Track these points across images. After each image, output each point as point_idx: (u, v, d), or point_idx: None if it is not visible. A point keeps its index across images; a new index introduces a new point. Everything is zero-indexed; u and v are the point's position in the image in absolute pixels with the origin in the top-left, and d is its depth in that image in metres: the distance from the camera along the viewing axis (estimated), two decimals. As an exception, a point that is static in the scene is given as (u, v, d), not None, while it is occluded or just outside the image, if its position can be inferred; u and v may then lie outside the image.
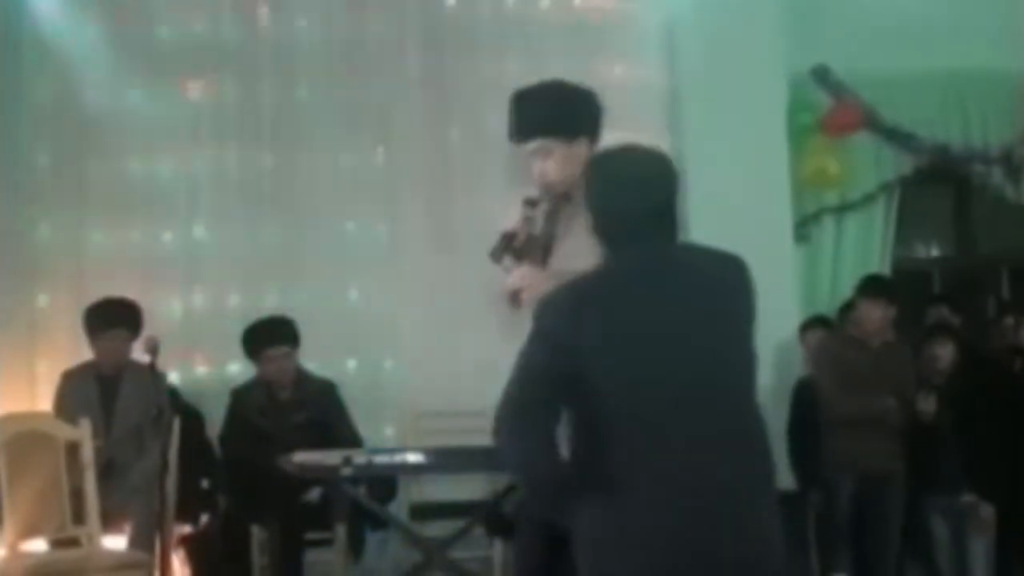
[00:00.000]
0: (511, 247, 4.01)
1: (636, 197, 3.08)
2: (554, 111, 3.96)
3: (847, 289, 7.17)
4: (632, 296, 3.01)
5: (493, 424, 3.04)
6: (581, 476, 2.98)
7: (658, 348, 2.95)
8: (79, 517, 5.25)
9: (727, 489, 2.94)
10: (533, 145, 3.95)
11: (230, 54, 7.27)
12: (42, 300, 7.05)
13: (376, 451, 5.94)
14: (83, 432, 5.17)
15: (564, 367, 2.95)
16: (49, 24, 7.07)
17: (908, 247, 8.20)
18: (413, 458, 5.64)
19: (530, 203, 4.02)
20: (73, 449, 5.36)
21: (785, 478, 6.83)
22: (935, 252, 8.51)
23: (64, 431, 5.23)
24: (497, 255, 4.00)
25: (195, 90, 7.25)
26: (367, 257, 7.22)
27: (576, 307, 3.01)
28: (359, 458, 5.60)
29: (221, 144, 7.24)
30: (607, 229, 3.13)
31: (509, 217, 4.05)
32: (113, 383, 6.32)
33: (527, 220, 4.01)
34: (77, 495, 5.46)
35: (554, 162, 3.94)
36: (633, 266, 3.06)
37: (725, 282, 3.11)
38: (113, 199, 7.14)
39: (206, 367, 7.12)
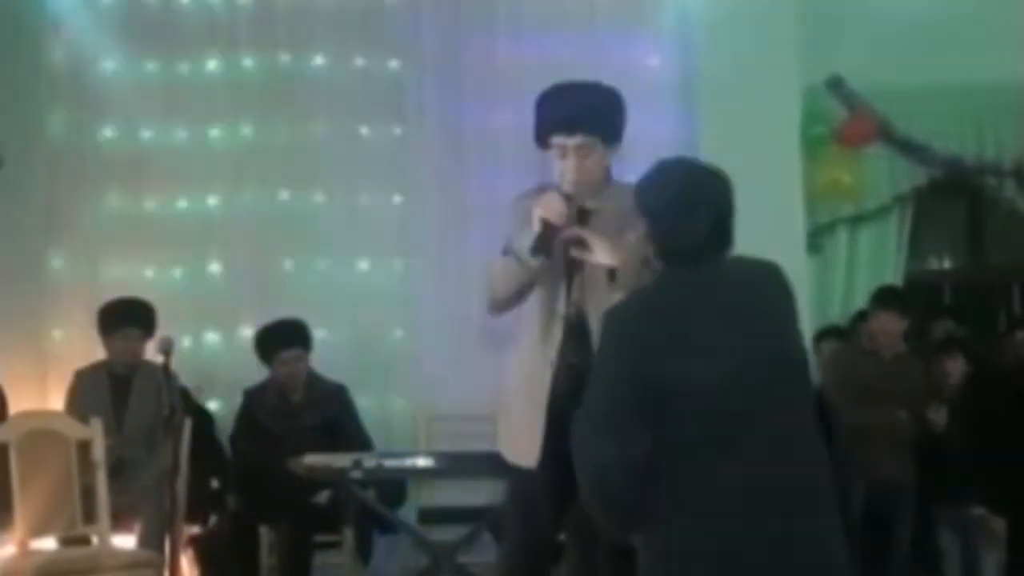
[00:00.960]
0: (547, 245, 3.81)
1: (699, 215, 3.07)
2: (605, 112, 3.93)
3: (860, 300, 7.19)
4: (692, 310, 3.02)
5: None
6: (647, 488, 2.96)
7: (721, 360, 2.95)
8: (89, 516, 5.26)
9: (793, 499, 2.95)
10: (577, 140, 3.85)
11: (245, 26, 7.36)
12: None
13: (386, 455, 5.97)
14: (94, 431, 5.18)
15: (631, 375, 2.95)
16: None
17: (920, 259, 8.17)
18: (423, 462, 5.68)
19: (569, 199, 3.87)
20: (84, 448, 5.37)
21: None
22: (947, 264, 8.48)
23: (75, 430, 5.24)
24: (536, 251, 3.78)
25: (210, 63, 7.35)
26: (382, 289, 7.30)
27: (639, 317, 3.03)
28: (368, 461, 5.66)
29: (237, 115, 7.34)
30: (668, 244, 3.12)
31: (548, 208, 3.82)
32: (126, 382, 6.34)
33: (570, 217, 3.85)
34: (88, 494, 5.45)
35: (593, 161, 3.88)
36: (691, 280, 3.07)
37: (773, 293, 3.14)
38: (128, 170, 7.26)
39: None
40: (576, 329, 3.85)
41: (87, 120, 7.27)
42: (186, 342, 7.03)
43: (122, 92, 7.23)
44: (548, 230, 3.77)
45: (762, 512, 2.91)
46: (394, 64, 7.39)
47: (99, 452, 5.18)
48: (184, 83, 7.32)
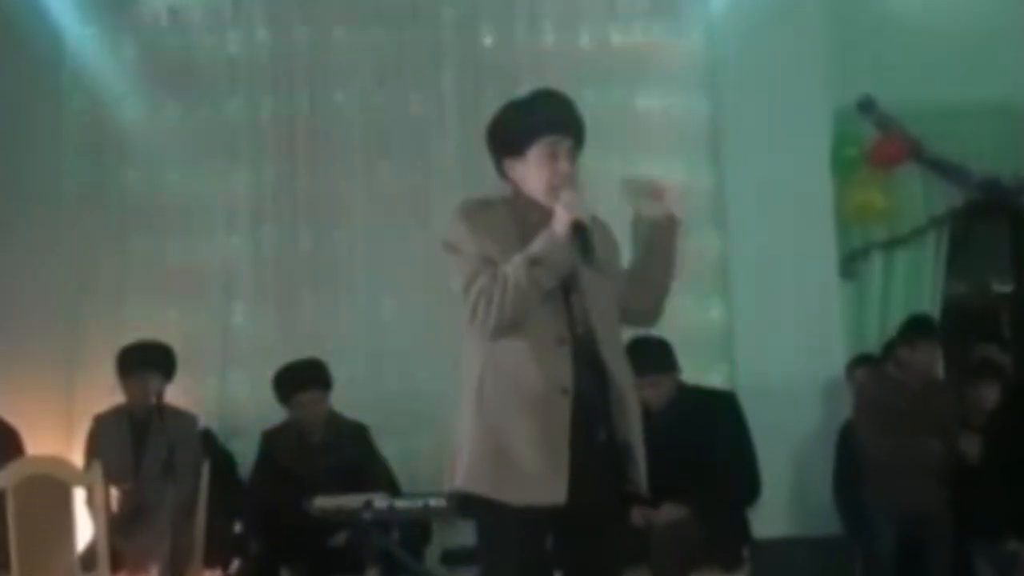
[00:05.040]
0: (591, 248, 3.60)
1: None
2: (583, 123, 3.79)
3: (896, 326, 6.98)
4: None
5: None
6: None
7: None
8: (90, 563, 5.17)
9: None
10: (571, 142, 3.70)
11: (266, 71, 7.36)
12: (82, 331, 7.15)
13: (398, 495, 5.88)
14: (94, 476, 5.10)
15: None
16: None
17: (960, 282, 7.89)
18: (435, 502, 5.53)
19: None
20: (89, 493, 5.30)
21: (831, 523, 6.66)
22: (993, 287, 8.20)
23: (75, 475, 5.18)
24: (588, 256, 3.57)
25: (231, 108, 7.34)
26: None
27: None
28: (380, 502, 5.54)
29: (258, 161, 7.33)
30: None
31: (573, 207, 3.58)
32: (145, 425, 6.27)
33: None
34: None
35: (574, 169, 3.70)
36: None
37: None
38: (151, 215, 7.25)
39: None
40: (586, 353, 3.61)
41: (109, 166, 7.27)
42: (211, 385, 7.05)
43: (143, 137, 7.23)
44: (583, 231, 3.54)
45: None
46: (416, 101, 7.33)
47: (98, 498, 5.10)
48: (205, 126, 7.30)
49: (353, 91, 7.34)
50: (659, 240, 3.74)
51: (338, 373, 6.53)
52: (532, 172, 3.69)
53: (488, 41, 7.41)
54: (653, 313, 3.87)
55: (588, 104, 3.89)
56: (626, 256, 3.83)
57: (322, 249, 7.27)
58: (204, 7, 7.36)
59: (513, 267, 3.53)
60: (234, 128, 7.33)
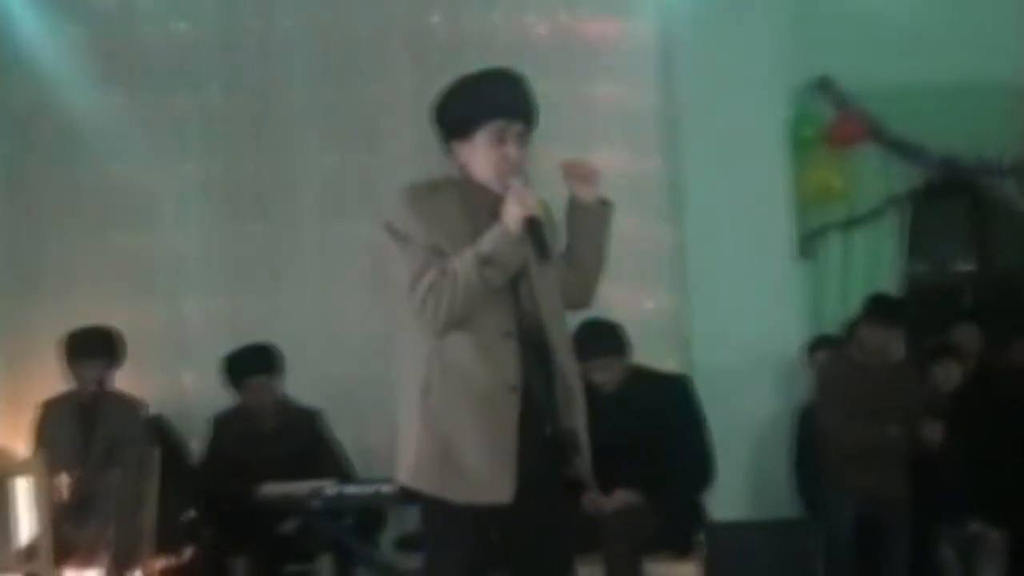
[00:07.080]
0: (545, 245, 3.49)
1: None
2: (536, 105, 3.64)
3: (856, 306, 6.92)
4: None
5: None
6: None
7: None
8: (32, 553, 5.07)
9: None
10: (520, 126, 3.55)
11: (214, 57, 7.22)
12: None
13: (352, 481, 5.80)
14: (35, 466, 4.98)
15: None
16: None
17: (921, 262, 7.84)
18: (387, 488, 5.45)
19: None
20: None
21: (788, 506, 6.62)
22: (954, 267, 8.15)
23: (13, 466, 5.06)
24: (543, 255, 3.46)
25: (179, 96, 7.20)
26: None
27: None
28: (329, 489, 5.47)
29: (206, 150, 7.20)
30: None
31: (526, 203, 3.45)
32: (92, 412, 6.17)
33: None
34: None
35: (524, 154, 3.56)
36: None
37: None
38: (98, 204, 7.12)
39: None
40: (532, 343, 3.51)
41: (54, 154, 7.11)
42: (162, 376, 6.94)
43: (89, 124, 7.05)
44: (537, 228, 3.44)
45: None
46: (366, 92, 7.21)
47: (41, 488, 4.97)
48: (152, 114, 7.15)
49: (302, 77, 7.21)
50: (591, 224, 3.65)
51: (291, 360, 6.43)
52: (479, 157, 3.56)
53: (437, 25, 7.29)
54: (586, 297, 3.77)
55: (539, 90, 3.67)
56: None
57: (273, 238, 7.16)
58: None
59: (463, 264, 3.42)
60: (182, 116, 7.19)
